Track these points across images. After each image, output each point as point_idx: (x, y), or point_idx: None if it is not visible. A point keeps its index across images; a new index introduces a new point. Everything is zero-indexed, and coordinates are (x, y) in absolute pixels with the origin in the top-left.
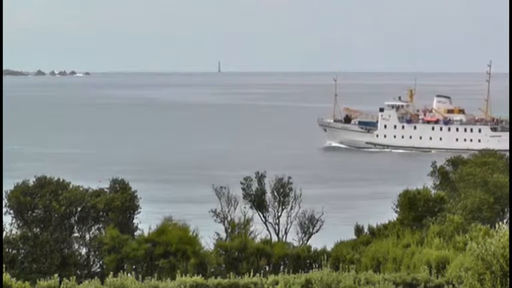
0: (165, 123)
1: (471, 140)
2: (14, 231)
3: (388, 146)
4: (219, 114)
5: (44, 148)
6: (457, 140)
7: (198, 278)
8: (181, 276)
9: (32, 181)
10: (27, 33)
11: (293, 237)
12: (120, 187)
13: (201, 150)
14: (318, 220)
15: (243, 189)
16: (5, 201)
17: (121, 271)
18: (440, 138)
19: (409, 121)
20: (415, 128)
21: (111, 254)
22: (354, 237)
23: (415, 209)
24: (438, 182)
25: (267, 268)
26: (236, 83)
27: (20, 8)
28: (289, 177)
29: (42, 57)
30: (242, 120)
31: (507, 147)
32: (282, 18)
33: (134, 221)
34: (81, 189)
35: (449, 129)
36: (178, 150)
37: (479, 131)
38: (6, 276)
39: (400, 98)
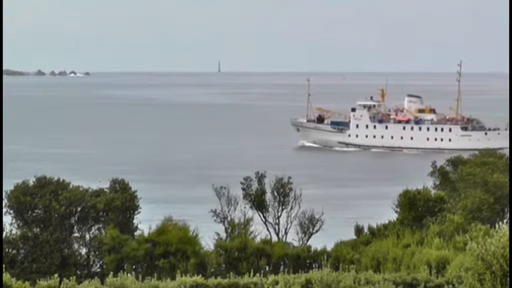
0: (165, 123)
1: (442, 140)
2: (14, 231)
3: (360, 146)
4: (219, 114)
5: (44, 148)
6: (428, 139)
7: (198, 278)
8: (181, 276)
9: (32, 181)
10: (27, 33)
11: (293, 237)
12: (120, 187)
13: (201, 150)
14: (318, 220)
15: (243, 189)
16: (5, 201)
17: (121, 271)
18: (411, 138)
19: (380, 121)
20: (386, 127)
21: (111, 254)
22: (354, 237)
23: (415, 209)
24: (438, 182)
25: (267, 268)
26: (236, 83)
27: (20, 8)
28: (289, 177)
29: (42, 57)
30: (241, 120)
31: (477, 146)
32: (282, 18)
33: (134, 221)
34: (81, 189)
35: (420, 129)
36: (178, 150)
37: (450, 130)
38: (6, 276)
39: (371, 97)
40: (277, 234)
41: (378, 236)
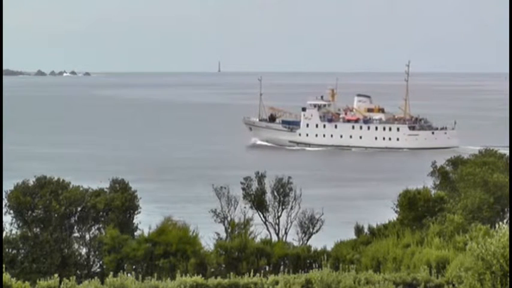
0: (165, 123)
1: (390, 139)
2: (14, 231)
3: (310, 145)
4: (219, 114)
5: (44, 148)
6: (376, 138)
7: (198, 278)
8: (181, 276)
9: (32, 181)
10: (27, 33)
11: (293, 237)
12: (120, 187)
13: (201, 150)
14: (318, 220)
15: (243, 189)
16: (5, 201)
17: (121, 271)
18: (360, 137)
19: (330, 120)
20: (336, 126)
21: (111, 254)
22: (354, 237)
23: (415, 209)
24: (438, 182)
25: (267, 268)
26: (236, 83)
27: (20, 8)
28: (289, 177)
29: (42, 57)
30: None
31: (424, 145)
32: (282, 18)
33: (134, 221)
34: (81, 189)
35: (368, 128)
36: (178, 150)
37: (398, 129)
38: (6, 276)
39: (322, 97)
40: (277, 234)
41: (378, 236)
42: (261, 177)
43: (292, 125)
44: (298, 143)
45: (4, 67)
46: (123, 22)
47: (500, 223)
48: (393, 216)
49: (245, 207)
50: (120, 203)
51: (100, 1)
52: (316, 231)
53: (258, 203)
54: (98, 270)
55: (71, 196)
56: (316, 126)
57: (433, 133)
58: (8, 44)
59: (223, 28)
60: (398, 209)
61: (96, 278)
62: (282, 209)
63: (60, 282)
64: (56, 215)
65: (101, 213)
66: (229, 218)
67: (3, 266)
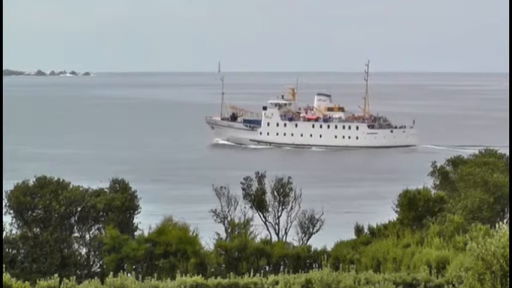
0: (165, 123)
1: (349, 137)
2: (14, 231)
3: (271, 144)
4: (218, 114)
5: (44, 148)
6: (336, 137)
7: (198, 278)
8: (181, 276)
9: (32, 181)
10: (27, 33)
11: (293, 237)
12: (120, 187)
13: (200, 150)
14: (318, 220)
15: (243, 189)
16: (5, 201)
17: (121, 271)
18: (320, 136)
19: (290, 119)
20: (296, 125)
21: (111, 254)
22: (354, 237)
23: (415, 209)
24: (438, 182)
25: (267, 268)
26: (236, 83)
27: (20, 8)
28: (289, 177)
29: (42, 57)
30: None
31: (383, 144)
32: (281, 18)
33: (134, 221)
34: (81, 189)
35: (328, 127)
36: (178, 150)
37: (357, 128)
38: (6, 276)
39: (283, 96)
40: (277, 234)
41: (378, 236)
42: (261, 177)
43: (253, 123)
44: (259, 142)
45: (4, 67)
46: (123, 22)
47: (500, 223)
48: (393, 216)
49: (245, 207)
50: (120, 203)
51: (100, 1)
52: (316, 231)
53: (258, 203)
54: (98, 270)
55: (71, 196)
56: (277, 125)
57: (391, 131)
58: (8, 44)
59: (223, 28)
60: (398, 209)
61: (96, 278)
62: (282, 209)
63: (60, 282)
64: (56, 215)
65: (101, 213)
66: (229, 218)
67: (3, 266)
